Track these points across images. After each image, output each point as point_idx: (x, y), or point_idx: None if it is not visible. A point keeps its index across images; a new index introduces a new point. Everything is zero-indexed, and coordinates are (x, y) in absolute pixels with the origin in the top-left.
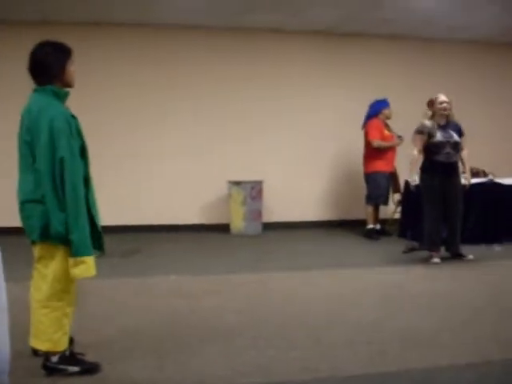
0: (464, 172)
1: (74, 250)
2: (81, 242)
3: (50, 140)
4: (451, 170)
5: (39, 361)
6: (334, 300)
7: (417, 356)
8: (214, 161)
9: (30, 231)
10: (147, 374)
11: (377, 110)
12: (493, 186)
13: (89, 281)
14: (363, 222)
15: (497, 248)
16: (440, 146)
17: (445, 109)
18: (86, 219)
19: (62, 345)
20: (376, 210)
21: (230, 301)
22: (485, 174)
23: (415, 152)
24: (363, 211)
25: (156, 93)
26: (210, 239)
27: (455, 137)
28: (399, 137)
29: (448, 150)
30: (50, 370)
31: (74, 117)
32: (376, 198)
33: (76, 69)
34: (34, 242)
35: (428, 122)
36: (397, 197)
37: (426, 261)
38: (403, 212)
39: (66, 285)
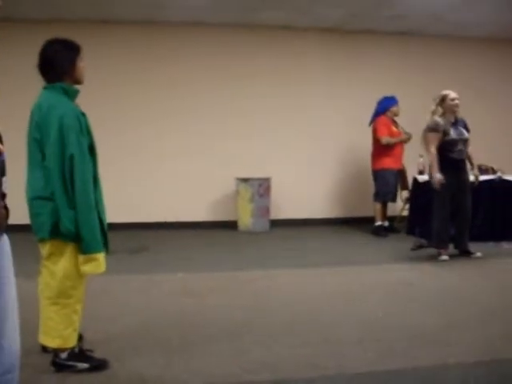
0: (472, 169)
1: (84, 247)
2: (91, 238)
3: (60, 137)
4: (462, 167)
5: (48, 357)
6: (342, 297)
7: (425, 354)
8: (222, 158)
9: (38, 228)
10: (155, 370)
11: (385, 107)
12: (501, 183)
13: (97, 278)
14: (371, 220)
15: (505, 245)
16: (453, 143)
17: (457, 105)
18: (96, 216)
19: (72, 341)
20: (384, 207)
21: (237, 298)
22: (493, 171)
23: (433, 150)
24: (371, 208)
25: (165, 90)
26: (217, 236)
27: (465, 134)
28: (406, 133)
29: (460, 147)
30: (60, 366)
31: (83, 114)
32: (384, 195)
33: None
34: (41, 240)
35: (440, 120)
36: (405, 194)
37: (435, 258)
38: (411, 209)
39: (75, 282)
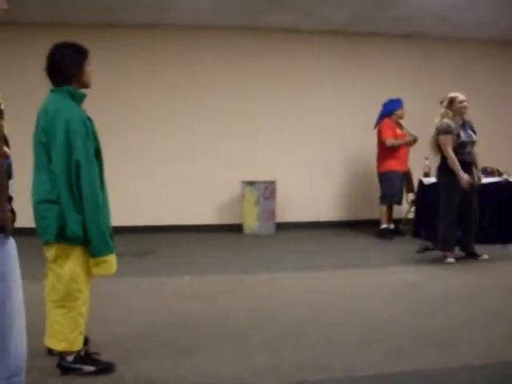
0: (476, 170)
1: (94, 251)
2: (100, 241)
3: (66, 141)
4: (471, 169)
5: (54, 360)
6: (348, 299)
7: (431, 356)
8: (227, 161)
9: (44, 231)
10: (162, 373)
11: (390, 109)
12: (507, 185)
13: (103, 281)
14: (376, 222)
15: None
16: (463, 145)
17: (465, 107)
18: (104, 218)
19: (78, 344)
20: (390, 209)
21: (243, 300)
22: (499, 174)
23: (451, 152)
24: (376, 211)
25: (169, 93)
26: (223, 239)
27: (474, 136)
28: (411, 135)
29: (469, 149)
30: (66, 369)
31: (89, 119)
32: (390, 197)
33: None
34: (47, 243)
35: (451, 122)
36: (410, 196)
37: (440, 260)
38: (417, 212)
39: (81, 284)
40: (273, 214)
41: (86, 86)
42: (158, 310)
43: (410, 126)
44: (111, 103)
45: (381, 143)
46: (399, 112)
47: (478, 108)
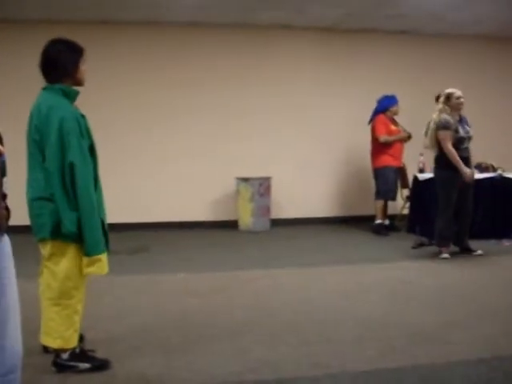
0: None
1: (87, 250)
2: (94, 241)
3: (60, 140)
4: (468, 164)
5: (49, 358)
6: (344, 296)
7: (425, 352)
8: (222, 157)
9: (39, 229)
10: (157, 370)
11: (385, 106)
12: (502, 181)
13: (98, 278)
14: (371, 218)
15: (506, 243)
16: (461, 141)
17: (462, 103)
18: (98, 218)
19: (73, 342)
20: (385, 205)
21: (239, 297)
22: (494, 169)
23: (451, 147)
24: (371, 207)
25: (162, 91)
26: (218, 236)
27: (470, 131)
28: (405, 132)
29: (466, 144)
30: (61, 366)
31: (83, 116)
32: (385, 192)
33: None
34: (42, 240)
35: (449, 117)
36: (405, 192)
37: (435, 256)
38: (412, 207)
39: (76, 282)
40: (268, 210)
41: (79, 84)
42: (152, 307)
43: (405, 122)
44: (106, 101)
45: (374, 139)
46: (394, 108)
47: (475, 104)
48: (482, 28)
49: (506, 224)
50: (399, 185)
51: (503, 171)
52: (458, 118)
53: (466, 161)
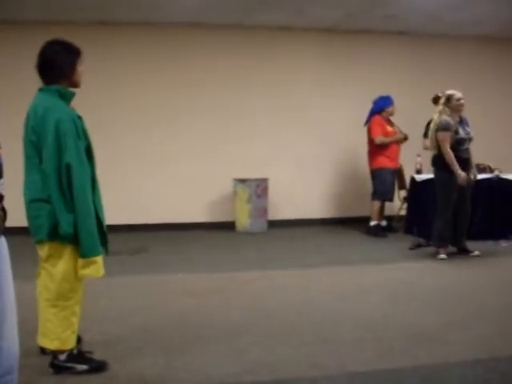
0: (471, 167)
1: (83, 252)
2: (90, 243)
3: (56, 142)
4: (468, 165)
5: (47, 359)
6: (341, 297)
7: (425, 352)
8: (219, 159)
9: (36, 231)
10: (155, 371)
11: (381, 107)
12: (499, 182)
13: (96, 279)
14: (369, 219)
15: (503, 244)
16: (462, 142)
17: (462, 105)
18: (94, 220)
19: (70, 343)
20: (382, 206)
21: (236, 298)
22: (491, 170)
23: (449, 149)
24: (368, 208)
25: (161, 92)
26: (215, 237)
27: (471, 132)
28: (402, 133)
29: (466, 145)
30: (58, 368)
31: (79, 117)
32: (382, 194)
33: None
34: (39, 242)
35: (450, 119)
36: (402, 193)
37: (433, 257)
38: (409, 208)
39: (74, 284)
40: (265, 211)
41: (76, 85)
42: (151, 307)
43: (404, 123)
44: (106, 102)
45: (371, 141)
46: (389, 109)
47: (475, 105)
48: (482, 29)
49: (504, 225)
50: (396, 186)
51: (500, 172)
52: (458, 119)
53: (466, 162)
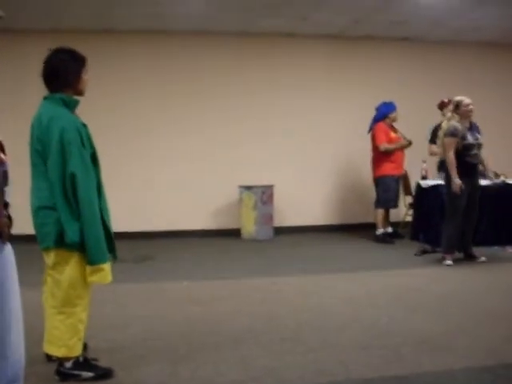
0: (486, 172)
1: (90, 259)
2: (97, 250)
3: (61, 151)
4: (476, 171)
5: (53, 366)
6: (348, 303)
7: (431, 359)
8: (225, 166)
9: (43, 238)
10: (161, 379)
11: (384, 113)
12: (505, 187)
13: (103, 287)
14: (375, 226)
15: (510, 250)
16: (470, 147)
17: (471, 110)
18: (101, 228)
19: (77, 350)
20: (386, 213)
21: (242, 305)
22: (497, 175)
23: (451, 155)
24: (373, 215)
25: (166, 98)
26: (221, 244)
27: (480, 138)
28: (405, 139)
29: (475, 151)
30: (64, 375)
31: (84, 125)
32: (386, 202)
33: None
34: (46, 249)
35: (458, 125)
36: (408, 199)
37: (439, 263)
38: (415, 215)
39: (80, 291)
40: (271, 218)
41: (80, 93)
42: (156, 315)
43: (406, 129)
44: (108, 109)
45: (375, 148)
46: (393, 115)
47: (476, 111)
48: (483, 35)
49: (510, 230)
50: (402, 192)
51: (506, 178)
52: (468, 125)
53: (474, 168)
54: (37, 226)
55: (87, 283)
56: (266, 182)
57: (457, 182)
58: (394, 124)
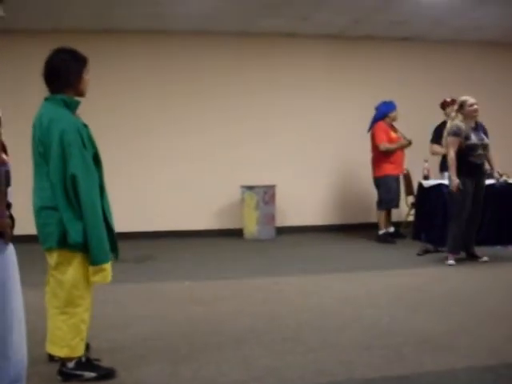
0: (492, 171)
1: (93, 259)
2: (100, 250)
3: (61, 153)
4: (481, 171)
5: (55, 366)
6: (349, 303)
7: (433, 359)
8: (227, 166)
9: (46, 238)
10: (163, 379)
11: (384, 112)
12: (507, 187)
13: (104, 287)
14: (377, 225)
15: None
16: (474, 147)
17: (476, 110)
18: (104, 228)
19: (79, 351)
20: (388, 213)
21: (244, 305)
22: (499, 175)
23: (452, 154)
24: (375, 214)
25: (166, 98)
26: (223, 244)
27: (485, 139)
28: (405, 138)
29: (480, 151)
30: (66, 375)
31: (85, 125)
32: (387, 202)
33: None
34: (49, 249)
35: (462, 124)
36: (410, 199)
37: (441, 263)
38: (417, 214)
39: (83, 291)
40: (273, 218)
41: (81, 94)
42: (158, 315)
43: (407, 128)
44: (108, 109)
45: (375, 147)
46: (392, 114)
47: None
48: (484, 34)
49: None
50: (404, 192)
51: (508, 177)
52: (473, 125)
53: (478, 168)
54: (39, 226)
55: (90, 283)
56: (266, 182)
57: (455, 180)
58: (395, 124)
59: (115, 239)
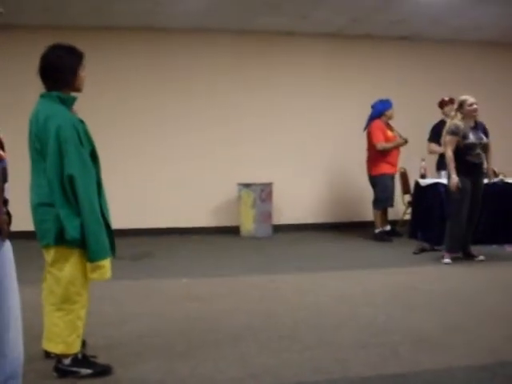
0: (487, 172)
1: (91, 256)
2: (98, 247)
3: (58, 149)
4: (480, 171)
5: (51, 363)
6: (346, 301)
7: (429, 357)
8: (224, 163)
9: (43, 235)
10: (159, 376)
11: (380, 111)
12: (504, 186)
13: (101, 284)
14: (373, 224)
15: (508, 248)
16: (472, 147)
17: (475, 110)
18: (102, 224)
19: (75, 347)
20: (385, 211)
21: (241, 303)
22: (495, 174)
23: (450, 153)
24: (372, 213)
25: (165, 95)
26: (220, 242)
27: (484, 138)
28: (401, 137)
29: (478, 151)
30: (63, 372)
31: (81, 121)
32: (384, 201)
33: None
34: (46, 246)
35: (460, 123)
36: (407, 198)
37: (438, 261)
38: (413, 213)
39: (80, 288)
40: (269, 216)
41: (77, 90)
42: (155, 312)
43: (405, 127)
44: (107, 106)
45: (371, 146)
46: (389, 112)
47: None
48: (484, 34)
49: (508, 229)
50: (401, 190)
51: (505, 176)
52: (472, 124)
53: (476, 167)
54: (36, 222)
55: (87, 280)
56: (264, 180)
57: (454, 178)
58: (391, 122)
59: (112, 236)
